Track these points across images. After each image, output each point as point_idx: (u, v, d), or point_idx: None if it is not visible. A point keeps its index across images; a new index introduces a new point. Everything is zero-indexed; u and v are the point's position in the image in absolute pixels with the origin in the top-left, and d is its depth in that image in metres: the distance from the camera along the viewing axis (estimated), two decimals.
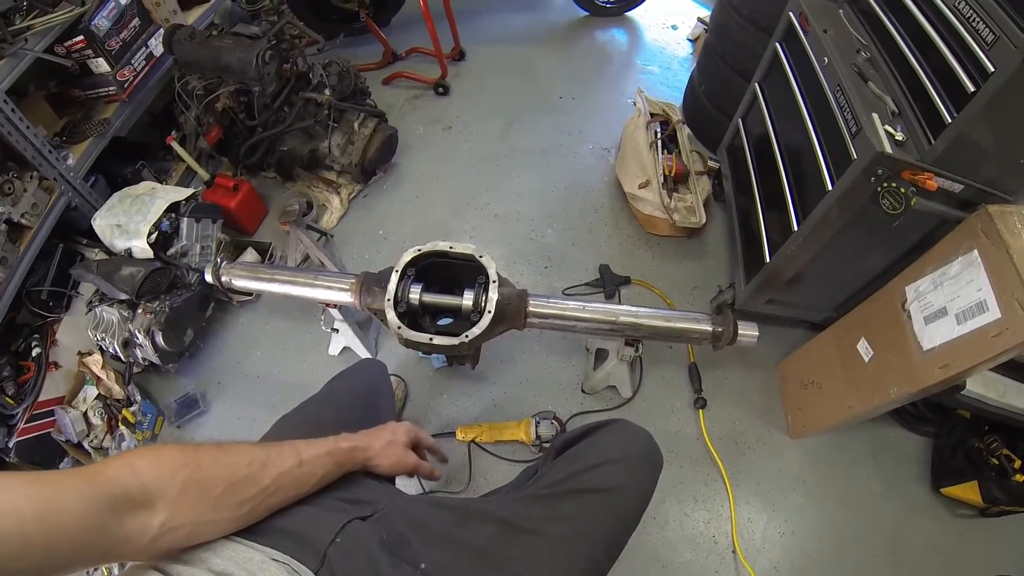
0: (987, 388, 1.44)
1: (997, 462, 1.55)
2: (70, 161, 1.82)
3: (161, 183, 2.05)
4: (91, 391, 1.75)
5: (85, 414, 1.72)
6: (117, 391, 1.75)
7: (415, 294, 1.29)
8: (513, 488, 1.04)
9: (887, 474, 1.66)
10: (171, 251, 1.81)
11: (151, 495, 0.62)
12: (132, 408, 1.75)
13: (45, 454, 1.70)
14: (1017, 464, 1.53)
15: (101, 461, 0.63)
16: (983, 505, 1.55)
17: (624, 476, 0.86)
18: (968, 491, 1.56)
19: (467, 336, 1.24)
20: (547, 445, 1.60)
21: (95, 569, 1.53)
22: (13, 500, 0.52)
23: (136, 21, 1.98)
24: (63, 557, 0.54)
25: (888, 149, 1.12)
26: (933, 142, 1.12)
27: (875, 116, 1.18)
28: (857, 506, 1.61)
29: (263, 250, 2.04)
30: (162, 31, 2.05)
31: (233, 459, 0.71)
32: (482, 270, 1.31)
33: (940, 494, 1.60)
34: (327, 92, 2.05)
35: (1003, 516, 1.56)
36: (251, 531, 0.72)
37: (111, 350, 1.73)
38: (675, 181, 2.02)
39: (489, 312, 1.25)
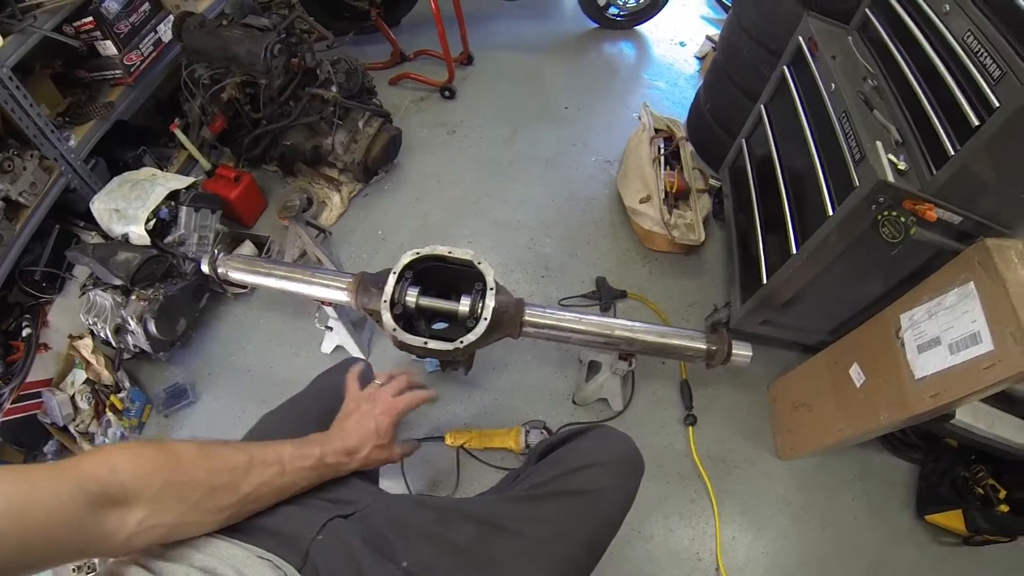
0: (976, 418, 1.45)
1: (982, 491, 1.56)
2: (72, 142, 1.81)
3: (162, 170, 2.04)
4: (80, 375, 1.73)
5: (73, 398, 1.70)
6: (106, 376, 1.74)
7: (412, 297, 1.29)
8: (496, 491, 1.04)
9: (872, 499, 1.66)
10: (168, 239, 1.79)
11: (128, 493, 0.61)
12: (120, 395, 1.73)
13: (30, 436, 1.69)
14: (1002, 494, 1.54)
15: (78, 456, 0.62)
16: (967, 534, 1.55)
17: (605, 479, 0.86)
18: (952, 519, 1.56)
19: (462, 342, 1.23)
20: None
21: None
22: None
23: (146, 6, 1.97)
24: (37, 553, 0.53)
25: (890, 178, 1.12)
26: (935, 173, 1.13)
27: (879, 144, 1.19)
28: (841, 529, 1.61)
29: (261, 243, 2.03)
30: (172, 18, 2.04)
31: (214, 464, 0.70)
32: (480, 276, 1.31)
33: (924, 521, 1.61)
34: (334, 89, 2.05)
35: (986, 545, 1.56)
36: (233, 528, 0.72)
37: (102, 335, 1.71)
38: (676, 198, 2.02)
39: (485, 319, 1.25)
